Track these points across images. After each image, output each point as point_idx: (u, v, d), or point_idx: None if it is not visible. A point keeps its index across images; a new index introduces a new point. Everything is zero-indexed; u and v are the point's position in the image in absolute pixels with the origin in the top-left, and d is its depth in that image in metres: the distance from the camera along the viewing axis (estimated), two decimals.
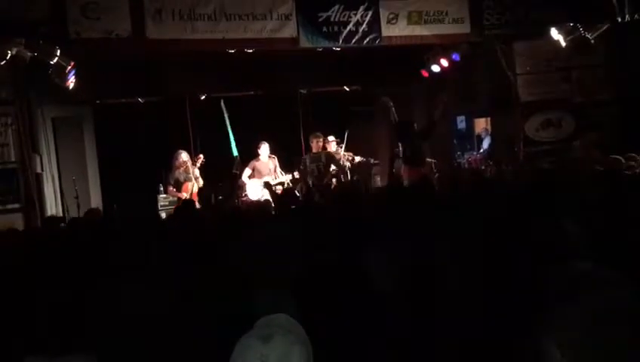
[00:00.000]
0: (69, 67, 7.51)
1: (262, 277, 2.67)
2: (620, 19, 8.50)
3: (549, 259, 2.43)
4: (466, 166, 11.22)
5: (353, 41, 8.84)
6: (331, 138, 9.91)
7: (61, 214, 8.32)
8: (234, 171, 9.59)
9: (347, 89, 11.68)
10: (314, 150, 9.00)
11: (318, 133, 9.12)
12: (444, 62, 10.28)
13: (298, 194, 7.85)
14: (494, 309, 2.47)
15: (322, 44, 8.83)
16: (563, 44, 8.96)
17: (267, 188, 7.26)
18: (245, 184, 9.33)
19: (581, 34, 8.82)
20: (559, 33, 8.90)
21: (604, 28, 8.71)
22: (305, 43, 8.66)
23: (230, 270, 3.00)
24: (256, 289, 2.09)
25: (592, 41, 8.85)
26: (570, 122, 9.85)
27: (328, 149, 9.75)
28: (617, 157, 6.26)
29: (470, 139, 11.95)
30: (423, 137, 8.13)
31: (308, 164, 8.90)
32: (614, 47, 9.37)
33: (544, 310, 1.75)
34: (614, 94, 9.73)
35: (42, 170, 8.26)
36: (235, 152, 10.53)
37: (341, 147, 9.82)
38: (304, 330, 1.77)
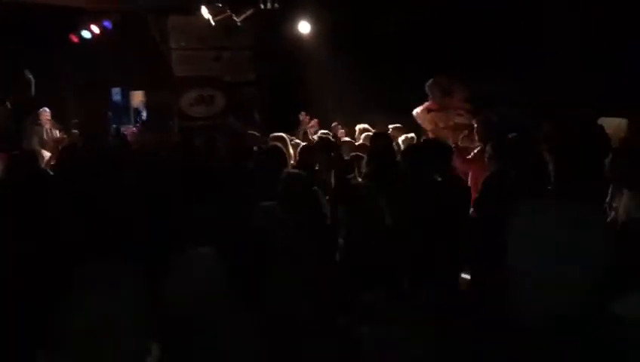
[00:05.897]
0: None
1: None
2: (262, 7, 9.14)
3: None
4: None
5: None
6: None
7: None
8: None
9: None
10: None
11: None
12: (95, 29, 9.73)
13: None
14: None
15: None
16: (212, 23, 9.26)
17: None
18: None
19: (229, 15, 9.23)
20: (209, 12, 9.17)
21: (249, 12, 9.26)
22: None
23: None
24: None
25: (239, 24, 9.36)
26: (221, 99, 10.32)
27: None
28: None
29: (127, 111, 11.60)
30: None
31: None
32: (261, 31, 10.06)
33: None
34: (258, 75, 10.50)
35: None
36: None
37: None
38: None
